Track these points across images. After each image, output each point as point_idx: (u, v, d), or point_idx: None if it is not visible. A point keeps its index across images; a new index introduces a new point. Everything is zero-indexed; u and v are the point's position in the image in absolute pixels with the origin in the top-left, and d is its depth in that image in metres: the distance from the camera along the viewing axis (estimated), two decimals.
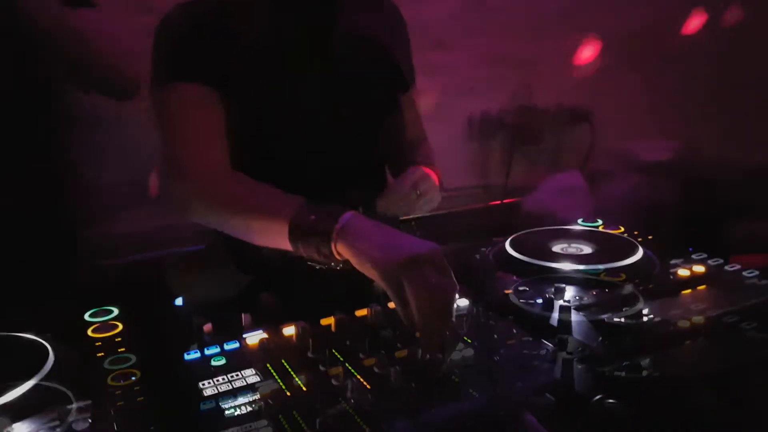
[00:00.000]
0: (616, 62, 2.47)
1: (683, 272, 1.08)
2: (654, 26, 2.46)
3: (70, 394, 0.78)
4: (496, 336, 0.90)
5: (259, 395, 0.77)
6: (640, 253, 1.12)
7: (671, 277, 1.07)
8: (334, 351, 0.86)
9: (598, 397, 0.75)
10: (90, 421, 0.74)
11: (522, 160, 2.45)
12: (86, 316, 0.99)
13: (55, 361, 0.85)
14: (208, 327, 0.92)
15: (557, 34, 2.38)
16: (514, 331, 0.91)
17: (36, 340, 0.89)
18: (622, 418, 0.72)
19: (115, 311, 1.01)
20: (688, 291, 1.03)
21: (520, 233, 1.25)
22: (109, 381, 0.81)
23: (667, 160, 2.45)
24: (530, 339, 0.89)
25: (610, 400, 0.74)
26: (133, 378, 0.82)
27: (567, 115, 2.47)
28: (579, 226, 1.32)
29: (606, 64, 2.46)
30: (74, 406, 0.76)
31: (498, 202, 2.41)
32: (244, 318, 0.95)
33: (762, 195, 2.18)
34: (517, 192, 2.36)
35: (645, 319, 0.90)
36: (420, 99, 2.13)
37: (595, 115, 2.47)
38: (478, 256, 1.20)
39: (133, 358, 0.87)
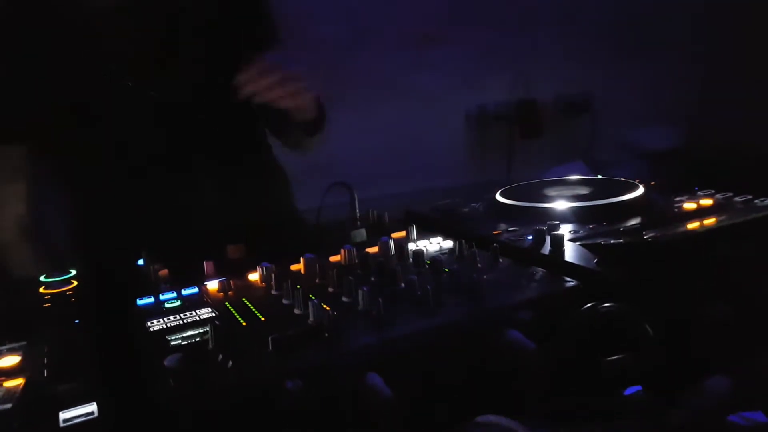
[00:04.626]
0: (616, 49, 2.42)
1: (689, 205, 0.98)
2: (651, 10, 2.42)
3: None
4: (480, 265, 0.81)
5: (209, 326, 0.69)
6: (641, 190, 1.02)
7: (676, 209, 0.98)
8: (298, 286, 0.77)
9: (590, 304, 0.66)
10: (19, 358, 0.66)
11: (523, 154, 2.38)
12: (41, 278, 0.93)
13: None
14: (164, 272, 0.84)
15: (552, 22, 2.34)
16: (500, 260, 0.82)
17: None
18: (621, 319, 0.63)
19: (73, 272, 0.94)
20: (696, 224, 0.93)
21: (512, 185, 1.17)
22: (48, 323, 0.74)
23: (674, 147, 2.37)
24: (517, 265, 0.80)
25: (606, 304, 0.64)
26: (77, 321, 0.75)
27: (567, 106, 2.41)
28: (576, 176, 1.24)
29: (605, 51, 2.41)
30: (6, 347, 0.69)
31: None
32: (207, 266, 0.88)
33: None
34: None
35: (646, 236, 0.80)
36: (413, 95, 2.10)
37: (596, 105, 2.40)
38: (466, 210, 1.11)
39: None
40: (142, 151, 1.13)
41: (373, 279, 0.80)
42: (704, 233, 0.80)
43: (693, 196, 1.04)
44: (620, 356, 0.60)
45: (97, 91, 1.08)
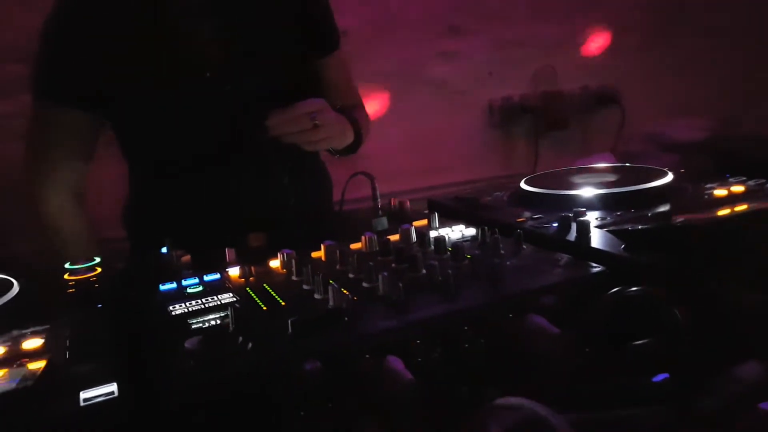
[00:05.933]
0: (644, 39, 2.37)
1: (720, 192, 0.96)
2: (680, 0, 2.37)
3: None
4: (503, 251, 0.80)
5: (230, 310, 0.68)
6: (670, 177, 1.00)
7: (706, 196, 0.95)
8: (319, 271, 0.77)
9: (616, 288, 0.64)
10: (42, 340, 0.66)
11: (549, 146, 2.34)
12: (66, 266, 0.94)
13: (19, 292, 0.79)
14: (186, 258, 0.84)
15: (579, 12, 2.30)
16: (524, 246, 0.81)
17: (4, 278, 0.84)
18: (649, 304, 0.61)
19: (97, 260, 0.95)
20: (727, 210, 0.90)
21: (538, 173, 1.15)
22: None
23: (703, 138, 2.31)
24: (541, 251, 0.79)
25: (633, 288, 0.63)
26: (99, 306, 0.75)
27: (594, 98, 2.36)
28: (603, 164, 1.21)
29: (633, 41, 2.36)
30: (29, 330, 0.70)
31: None
32: (229, 253, 0.88)
33: None
34: None
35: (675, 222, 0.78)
36: (436, 87, 2.08)
37: (625, 96, 2.35)
38: (489, 198, 1.10)
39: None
40: (203, 142, 1.15)
41: (393, 265, 0.79)
42: (736, 218, 0.77)
43: (724, 183, 1.01)
44: (648, 341, 0.58)
45: (175, 79, 1.11)
